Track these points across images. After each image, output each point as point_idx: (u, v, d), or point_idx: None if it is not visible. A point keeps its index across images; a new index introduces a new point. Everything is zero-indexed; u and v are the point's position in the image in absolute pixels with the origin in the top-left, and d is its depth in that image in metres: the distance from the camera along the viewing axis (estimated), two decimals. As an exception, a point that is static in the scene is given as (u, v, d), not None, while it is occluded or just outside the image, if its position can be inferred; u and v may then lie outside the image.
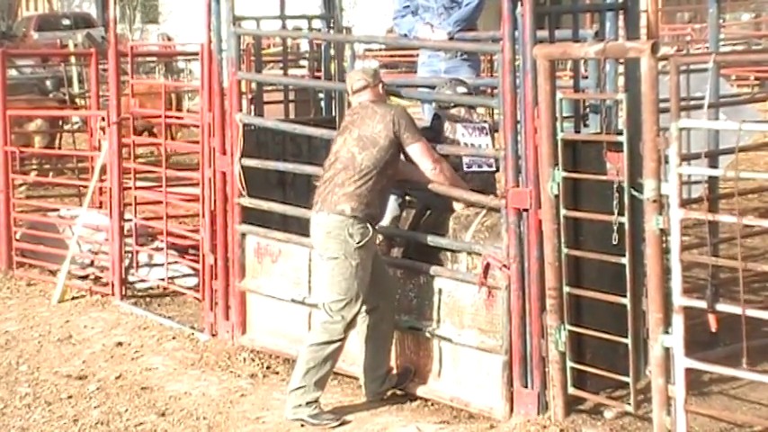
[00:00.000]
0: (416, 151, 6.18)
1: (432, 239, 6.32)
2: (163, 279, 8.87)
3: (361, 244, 6.02)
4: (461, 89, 6.71)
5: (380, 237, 6.61)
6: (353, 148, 6.12)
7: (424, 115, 7.93)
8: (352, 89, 6.41)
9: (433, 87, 7.12)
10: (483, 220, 6.25)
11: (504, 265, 5.81)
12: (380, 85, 6.40)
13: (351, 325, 6.08)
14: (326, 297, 6.10)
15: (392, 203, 6.70)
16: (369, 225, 6.07)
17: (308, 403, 6.06)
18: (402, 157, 6.24)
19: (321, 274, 6.23)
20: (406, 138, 6.14)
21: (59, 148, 13.83)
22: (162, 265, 8.88)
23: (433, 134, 6.53)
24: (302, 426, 6.06)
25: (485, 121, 6.77)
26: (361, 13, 30.21)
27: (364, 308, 6.11)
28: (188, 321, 8.16)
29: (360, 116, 6.23)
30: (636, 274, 5.38)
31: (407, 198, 6.87)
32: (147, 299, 8.89)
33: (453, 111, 6.67)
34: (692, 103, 6.97)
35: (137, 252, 9.06)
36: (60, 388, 7.02)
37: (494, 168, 6.52)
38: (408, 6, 7.92)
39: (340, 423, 6.06)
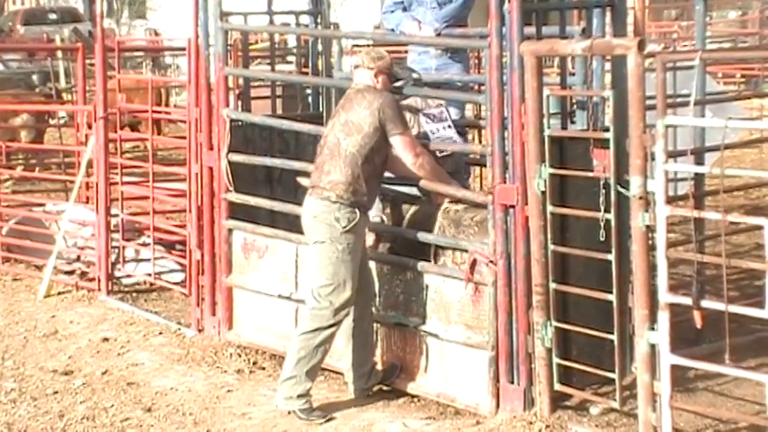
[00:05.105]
0: (399, 143, 6.12)
1: (416, 234, 6.32)
2: (149, 274, 8.85)
3: (347, 228, 6.00)
4: (414, 75, 6.69)
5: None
6: (339, 133, 6.11)
7: None
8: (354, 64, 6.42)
9: None
10: (472, 215, 6.25)
11: (491, 261, 5.82)
12: (379, 74, 6.22)
13: (340, 311, 6.01)
14: (314, 282, 6.08)
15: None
16: (356, 210, 6.04)
17: (299, 396, 6.05)
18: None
19: (309, 260, 6.19)
20: (390, 128, 6.07)
21: (45, 143, 13.79)
22: (148, 260, 8.86)
23: None
24: (288, 413, 6.06)
25: (441, 111, 6.74)
26: (349, 9, 30.16)
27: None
28: (174, 317, 8.15)
29: (350, 101, 6.20)
30: (622, 270, 5.38)
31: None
32: (134, 294, 8.88)
33: (411, 101, 6.66)
34: (679, 100, 6.99)
35: (123, 247, 9.04)
36: (46, 383, 7.00)
37: (457, 139, 6.49)
38: (401, 2, 7.89)
39: (327, 419, 6.05)
